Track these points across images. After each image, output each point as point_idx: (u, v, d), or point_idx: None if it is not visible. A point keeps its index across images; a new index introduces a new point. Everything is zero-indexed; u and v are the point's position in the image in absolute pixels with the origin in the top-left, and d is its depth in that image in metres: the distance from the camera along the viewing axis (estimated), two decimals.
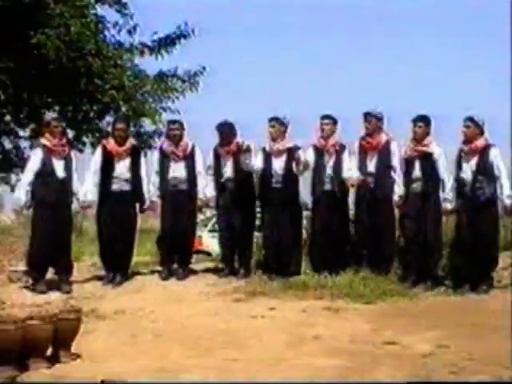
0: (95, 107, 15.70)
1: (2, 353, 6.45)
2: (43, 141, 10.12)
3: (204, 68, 16.35)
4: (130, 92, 15.53)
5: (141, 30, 16.16)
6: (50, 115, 10.91)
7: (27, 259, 10.26)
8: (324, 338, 7.58)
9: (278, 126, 10.35)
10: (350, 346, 7.30)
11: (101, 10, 15.99)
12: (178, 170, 10.49)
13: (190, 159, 10.55)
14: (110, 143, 10.46)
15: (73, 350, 7.04)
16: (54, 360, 6.87)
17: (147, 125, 16.07)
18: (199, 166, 10.58)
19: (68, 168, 10.09)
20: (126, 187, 10.31)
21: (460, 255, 9.65)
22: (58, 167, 9.99)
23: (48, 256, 9.96)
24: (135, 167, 10.40)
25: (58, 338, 6.91)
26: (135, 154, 10.54)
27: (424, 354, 6.96)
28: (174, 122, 10.99)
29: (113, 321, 8.47)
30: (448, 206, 9.74)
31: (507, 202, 9.46)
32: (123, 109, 15.50)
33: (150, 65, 16.57)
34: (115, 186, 10.26)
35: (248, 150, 10.18)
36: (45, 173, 9.92)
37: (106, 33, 15.94)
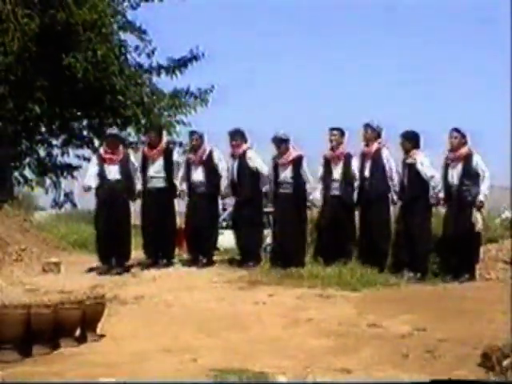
0: (118, 120, 15.72)
1: (37, 333, 6.49)
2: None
3: (213, 86, 16.39)
4: (148, 107, 15.57)
5: (158, 53, 16.22)
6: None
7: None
8: (316, 320, 7.58)
9: (282, 144, 10.27)
10: (339, 328, 7.29)
11: (123, 35, 16.05)
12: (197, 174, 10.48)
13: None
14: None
15: (98, 331, 7.05)
16: (81, 340, 6.90)
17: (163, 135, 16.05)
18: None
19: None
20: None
21: (447, 250, 9.67)
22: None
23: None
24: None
25: (85, 321, 6.94)
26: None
27: (403, 335, 6.95)
28: (193, 132, 10.93)
29: (133, 306, 8.44)
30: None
31: (481, 198, 9.45)
32: (142, 121, 15.53)
33: (166, 83, 16.60)
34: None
35: None
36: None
37: (128, 56, 15.98)
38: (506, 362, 5.49)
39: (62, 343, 6.70)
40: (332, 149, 10.31)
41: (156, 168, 10.40)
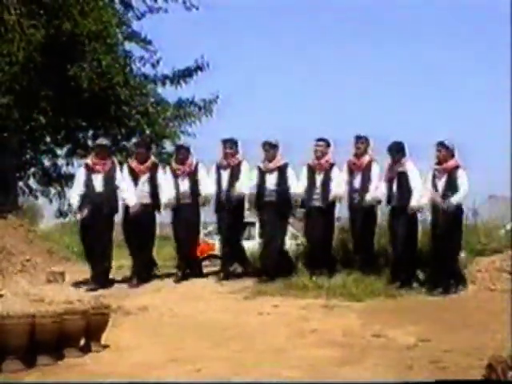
0: (123, 130, 15.75)
1: (41, 343, 6.48)
2: None
3: (217, 96, 16.40)
4: (153, 117, 15.58)
5: (163, 63, 16.25)
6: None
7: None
8: (320, 331, 7.58)
9: (271, 150, 10.34)
10: (343, 339, 7.30)
11: (128, 46, 16.10)
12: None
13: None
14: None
15: (102, 341, 7.05)
16: (86, 350, 6.89)
17: (168, 145, 16.09)
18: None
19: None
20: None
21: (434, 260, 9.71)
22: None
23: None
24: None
25: (89, 331, 6.93)
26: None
27: (408, 345, 6.95)
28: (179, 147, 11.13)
29: (137, 316, 8.46)
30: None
31: (448, 206, 9.47)
32: (147, 132, 15.55)
33: (171, 94, 16.65)
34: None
35: None
36: None
37: (133, 66, 16.01)
38: (511, 374, 5.47)
39: (66, 353, 6.70)
40: (317, 158, 10.37)
41: (142, 183, 10.38)
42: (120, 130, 15.76)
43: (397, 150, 9.92)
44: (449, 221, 9.48)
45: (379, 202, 10.13)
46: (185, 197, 10.41)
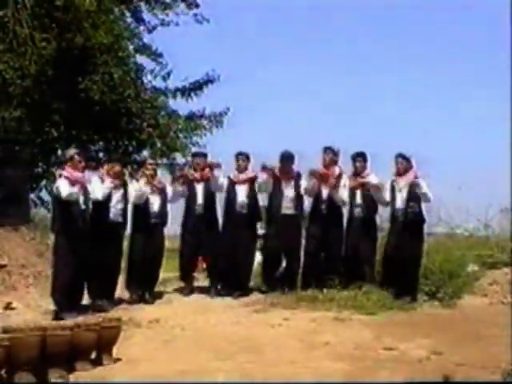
0: (134, 143, 15.79)
1: (53, 356, 6.49)
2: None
3: (228, 109, 16.45)
4: (164, 130, 15.60)
5: (174, 76, 16.30)
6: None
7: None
8: (332, 344, 7.56)
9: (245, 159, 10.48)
10: (355, 352, 7.28)
11: (139, 59, 16.16)
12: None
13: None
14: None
15: (114, 354, 7.06)
16: (97, 363, 6.90)
17: (179, 158, 16.12)
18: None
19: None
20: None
21: (389, 269, 9.83)
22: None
23: None
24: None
25: (101, 344, 6.95)
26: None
27: (420, 359, 6.93)
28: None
29: (148, 329, 8.46)
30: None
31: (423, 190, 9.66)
32: (158, 144, 15.59)
33: (182, 106, 16.66)
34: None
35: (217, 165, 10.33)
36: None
37: (144, 79, 16.04)
38: None
39: (77, 366, 6.71)
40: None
41: (116, 199, 9.91)
42: (131, 142, 15.81)
43: (363, 160, 10.14)
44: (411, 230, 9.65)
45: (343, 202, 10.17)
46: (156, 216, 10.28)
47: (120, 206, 9.89)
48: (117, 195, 9.87)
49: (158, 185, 10.35)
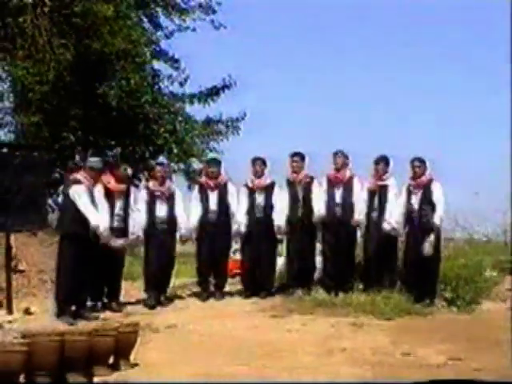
0: (150, 148, 15.86)
1: (71, 361, 6.51)
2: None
3: (245, 114, 16.49)
4: (181, 135, 15.67)
5: (191, 82, 16.36)
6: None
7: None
8: (349, 350, 7.54)
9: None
10: (373, 357, 7.26)
11: (157, 64, 16.25)
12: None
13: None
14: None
15: (131, 359, 7.07)
16: (115, 368, 6.91)
17: (195, 163, 16.18)
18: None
19: None
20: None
21: (408, 272, 9.88)
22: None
23: None
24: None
25: (118, 349, 6.95)
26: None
27: (438, 364, 6.91)
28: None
29: (166, 334, 8.46)
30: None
31: (436, 222, 9.65)
32: (175, 150, 15.64)
33: (199, 112, 16.72)
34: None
35: None
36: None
37: (161, 84, 16.16)
38: None
39: (95, 371, 6.73)
40: (295, 173, 10.44)
41: (119, 206, 9.85)
42: (148, 147, 15.87)
43: (384, 163, 10.17)
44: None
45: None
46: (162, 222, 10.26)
47: (122, 212, 9.86)
48: (120, 202, 9.87)
49: (167, 191, 10.34)
